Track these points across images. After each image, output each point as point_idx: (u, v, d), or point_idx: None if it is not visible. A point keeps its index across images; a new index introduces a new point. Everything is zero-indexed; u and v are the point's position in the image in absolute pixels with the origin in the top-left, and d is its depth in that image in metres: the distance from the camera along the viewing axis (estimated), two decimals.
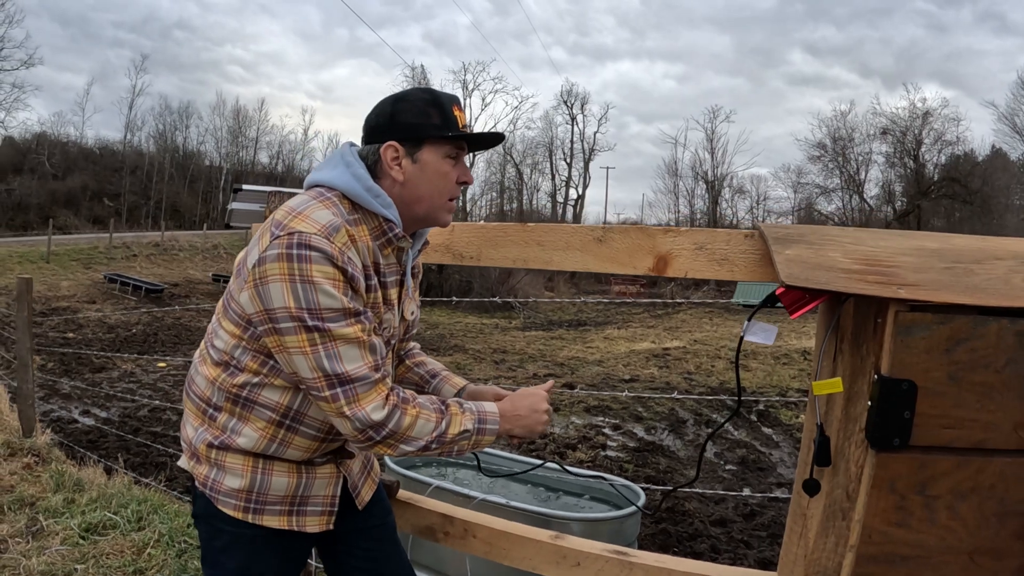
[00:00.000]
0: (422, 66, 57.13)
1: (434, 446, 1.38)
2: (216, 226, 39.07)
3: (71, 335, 13.68)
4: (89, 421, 7.46)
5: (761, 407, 8.91)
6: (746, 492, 5.39)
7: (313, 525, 1.51)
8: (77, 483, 3.86)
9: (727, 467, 6.70)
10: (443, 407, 1.41)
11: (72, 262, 23.29)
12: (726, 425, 8.24)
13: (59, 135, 45.79)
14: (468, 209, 48.78)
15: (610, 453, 7.00)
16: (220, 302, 1.49)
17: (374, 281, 1.40)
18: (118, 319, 15.91)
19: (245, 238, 30.71)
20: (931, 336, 1.01)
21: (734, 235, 1.46)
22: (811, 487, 1.23)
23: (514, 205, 50.85)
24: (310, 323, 1.26)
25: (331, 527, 1.54)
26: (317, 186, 1.41)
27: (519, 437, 1.50)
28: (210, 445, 1.45)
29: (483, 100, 50.96)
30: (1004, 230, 32.89)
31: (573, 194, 52.26)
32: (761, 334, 1.33)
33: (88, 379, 9.70)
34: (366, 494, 1.67)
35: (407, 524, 1.99)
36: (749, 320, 1.32)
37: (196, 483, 1.48)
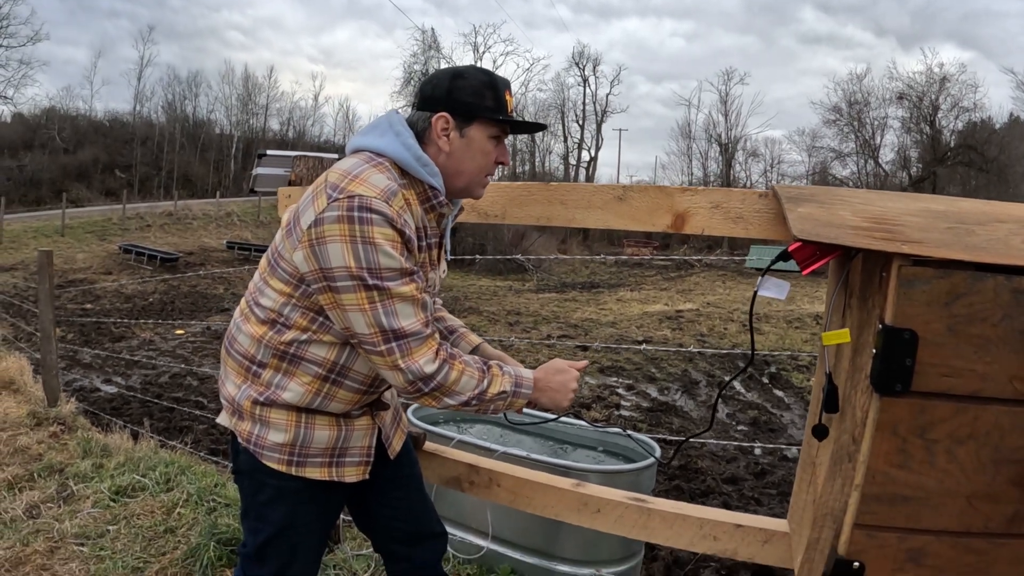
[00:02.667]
0: (432, 29, 56.56)
1: (474, 403, 1.46)
2: (228, 194, 39.11)
3: (89, 306, 13.85)
4: (112, 389, 7.57)
5: (773, 370, 8.97)
6: (757, 451, 5.49)
7: (351, 475, 1.59)
8: (104, 448, 3.92)
9: (739, 428, 6.79)
10: (485, 367, 1.50)
11: (87, 234, 23.47)
12: (739, 388, 8.32)
13: (68, 109, 45.90)
14: None
15: (624, 412, 7.10)
16: (264, 261, 1.55)
17: (424, 243, 1.48)
18: (135, 289, 16.07)
19: (260, 205, 30.77)
20: (931, 290, 1.07)
21: (749, 194, 1.52)
22: (820, 432, 1.30)
23: (526, 167, 50.58)
24: (370, 282, 1.34)
25: (367, 476, 1.62)
26: (364, 150, 1.47)
27: (544, 407, 1.58)
28: (255, 402, 1.51)
29: (494, 63, 50.28)
30: (1020, 200, 32.38)
31: (585, 156, 52.08)
32: (774, 289, 1.40)
33: (108, 348, 9.82)
34: (397, 444, 1.75)
35: (434, 475, 2.06)
36: (763, 276, 1.38)
37: (239, 439, 1.54)
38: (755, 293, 1.42)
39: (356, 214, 1.33)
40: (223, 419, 1.61)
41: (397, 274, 1.36)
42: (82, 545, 2.82)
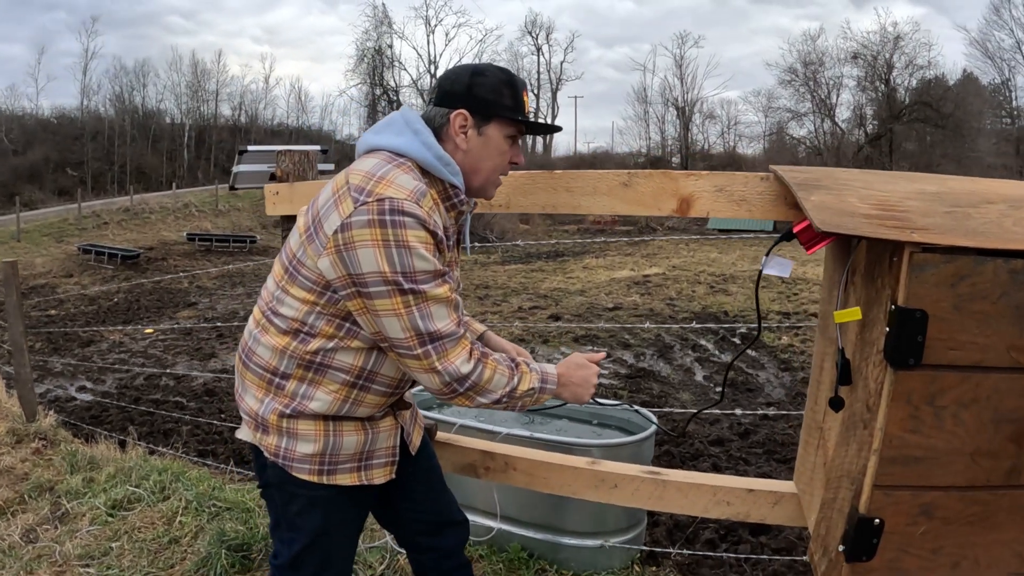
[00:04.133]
0: (383, 4, 55.63)
1: (504, 400, 1.47)
2: (184, 184, 38.34)
3: (53, 312, 13.44)
4: (87, 397, 7.36)
5: (744, 330, 9.17)
6: (738, 411, 5.63)
7: (379, 476, 1.60)
8: (91, 461, 3.79)
9: (717, 389, 6.96)
10: (514, 364, 1.51)
11: (43, 237, 22.78)
12: (713, 349, 8.50)
13: (13, 109, 44.66)
14: None
15: (603, 380, 7.19)
16: (278, 268, 1.53)
17: (449, 242, 1.49)
18: (98, 290, 15.68)
19: (217, 194, 30.14)
20: (939, 273, 1.18)
21: (751, 178, 1.59)
22: (836, 403, 1.39)
23: None
24: (406, 286, 1.33)
25: (393, 476, 1.64)
26: (381, 150, 1.46)
27: (566, 400, 1.61)
28: (282, 415, 1.50)
29: (447, 35, 49.96)
30: (976, 154, 33.41)
31: None
32: (778, 268, 1.47)
33: (78, 354, 9.55)
34: (417, 439, 1.77)
35: (448, 463, 2.10)
36: (768, 255, 1.45)
37: (265, 454, 1.53)
38: (760, 272, 1.49)
39: (388, 217, 1.31)
40: (244, 434, 1.60)
41: (431, 276, 1.36)
42: (87, 566, 2.74)
